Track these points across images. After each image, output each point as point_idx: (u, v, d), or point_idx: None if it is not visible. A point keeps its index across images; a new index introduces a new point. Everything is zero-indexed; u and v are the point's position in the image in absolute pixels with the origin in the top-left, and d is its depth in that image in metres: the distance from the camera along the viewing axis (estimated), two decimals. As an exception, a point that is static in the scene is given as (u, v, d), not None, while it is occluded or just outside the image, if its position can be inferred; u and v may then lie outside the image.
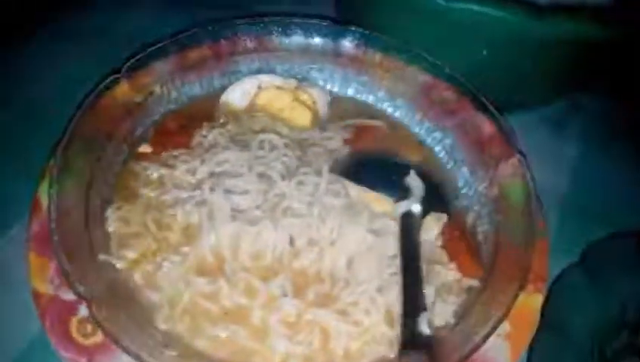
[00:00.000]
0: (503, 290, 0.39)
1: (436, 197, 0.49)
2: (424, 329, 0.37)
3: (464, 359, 0.37)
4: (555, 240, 0.50)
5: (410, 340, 0.37)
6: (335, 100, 0.56)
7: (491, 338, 0.40)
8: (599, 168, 0.60)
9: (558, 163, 0.60)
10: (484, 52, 0.53)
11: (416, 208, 0.46)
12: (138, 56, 0.49)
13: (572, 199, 0.57)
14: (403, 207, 0.46)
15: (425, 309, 0.38)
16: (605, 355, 0.44)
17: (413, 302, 0.39)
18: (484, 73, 0.53)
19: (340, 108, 0.55)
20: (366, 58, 0.55)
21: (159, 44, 0.50)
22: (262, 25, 0.53)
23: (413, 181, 0.48)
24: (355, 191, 0.47)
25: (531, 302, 0.43)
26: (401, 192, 0.47)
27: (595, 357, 0.43)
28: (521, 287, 0.39)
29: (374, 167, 0.49)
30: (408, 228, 0.44)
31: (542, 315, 0.43)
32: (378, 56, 0.54)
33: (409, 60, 0.53)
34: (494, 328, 0.37)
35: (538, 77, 0.56)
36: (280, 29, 0.54)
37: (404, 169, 0.49)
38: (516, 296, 0.39)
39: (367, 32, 0.54)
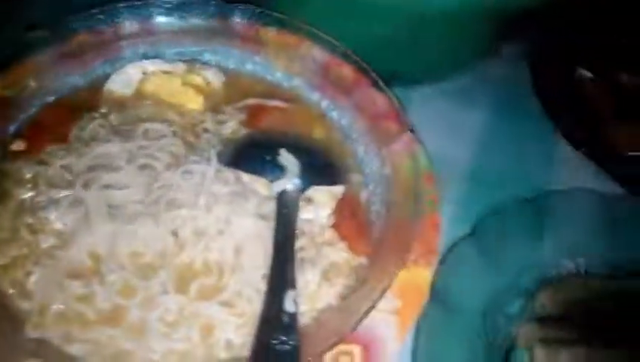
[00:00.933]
0: (384, 267, 0.40)
1: (333, 175, 0.48)
2: (289, 307, 0.37)
3: (345, 337, 0.37)
4: (453, 213, 0.50)
5: (274, 318, 0.36)
6: (231, 81, 0.54)
7: (380, 314, 0.40)
8: (504, 137, 0.59)
9: (461, 133, 0.58)
10: (384, 27, 0.52)
11: (292, 186, 0.45)
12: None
13: (473, 170, 0.56)
14: (279, 186, 0.45)
15: (293, 287, 0.38)
16: (498, 323, 0.44)
17: (279, 279, 0.38)
18: (385, 48, 0.52)
19: (237, 89, 0.53)
20: (259, 36, 0.53)
21: (30, 33, 0.47)
22: (142, 6, 0.51)
23: (287, 159, 0.47)
24: (247, 176, 0.46)
25: (421, 276, 0.43)
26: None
27: (486, 327, 0.44)
28: (402, 262, 0.39)
29: (267, 149, 0.48)
30: (283, 206, 0.44)
31: (431, 288, 0.43)
32: (271, 34, 0.53)
33: (303, 38, 0.52)
34: (373, 304, 0.37)
35: (443, 48, 0.56)
36: (162, 10, 0.51)
37: (297, 148, 0.48)
38: (396, 272, 0.39)
39: (257, 9, 0.52)
